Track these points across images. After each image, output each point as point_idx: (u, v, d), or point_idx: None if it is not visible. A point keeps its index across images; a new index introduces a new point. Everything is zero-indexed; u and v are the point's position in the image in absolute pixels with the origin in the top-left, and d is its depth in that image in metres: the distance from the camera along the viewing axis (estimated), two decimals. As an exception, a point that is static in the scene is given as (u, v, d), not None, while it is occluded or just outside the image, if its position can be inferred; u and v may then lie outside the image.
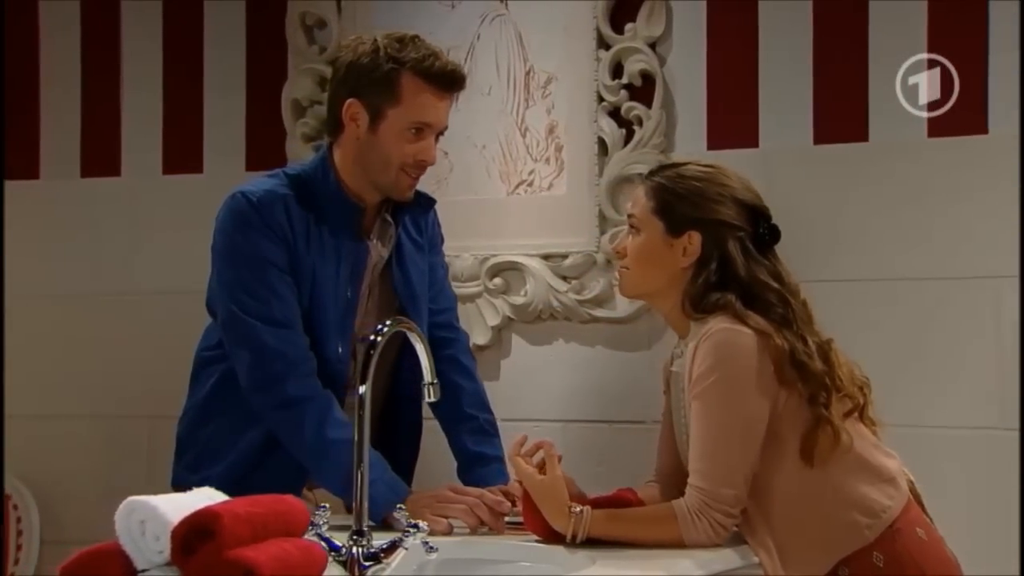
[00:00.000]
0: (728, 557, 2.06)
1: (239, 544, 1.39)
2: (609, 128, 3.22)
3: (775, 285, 2.18)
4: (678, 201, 2.24)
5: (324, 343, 2.40)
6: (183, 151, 3.62)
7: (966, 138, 3.03)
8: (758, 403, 2.09)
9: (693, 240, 2.22)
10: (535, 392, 3.25)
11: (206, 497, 1.48)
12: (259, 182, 2.50)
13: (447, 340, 2.62)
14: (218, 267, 2.46)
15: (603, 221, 3.23)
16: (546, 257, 3.26)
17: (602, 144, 3.23)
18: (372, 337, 1.82)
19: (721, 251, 2.20)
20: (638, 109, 3.20)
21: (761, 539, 2.09)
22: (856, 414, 2.16)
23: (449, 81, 2.41)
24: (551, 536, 2.14)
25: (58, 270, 3.69)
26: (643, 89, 3.22)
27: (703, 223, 2.23)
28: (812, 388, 2.10)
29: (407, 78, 2.39)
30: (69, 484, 3.62)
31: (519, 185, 3.29)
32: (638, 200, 2.30)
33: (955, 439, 2.97)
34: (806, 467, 2.10)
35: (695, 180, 2.25)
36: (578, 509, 2.11)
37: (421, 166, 2.44)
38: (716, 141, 3.20)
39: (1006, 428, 3.00)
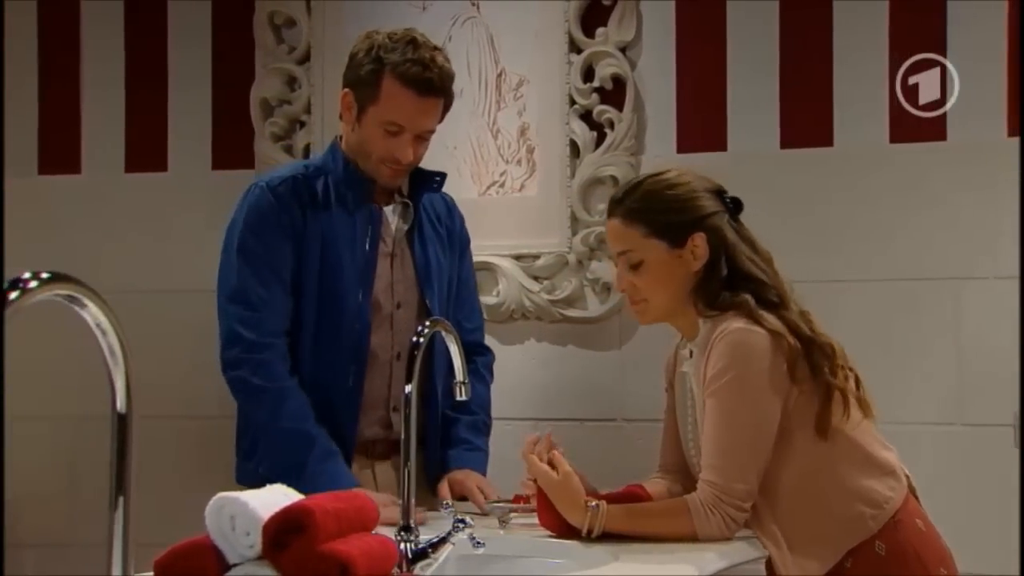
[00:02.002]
0: (743, 550, 2.12)
1: (328, 539, 1.42)
2: (581, 131, 3.28)
3: (761, 263, 2.25)
4: (668, 214, 2.27)
5: (344, 294, 2.50)
6: (147, 149, 3.58)
7: (926, 144, 3.16)
8: (771, 401, 2.15)
9: (698, 242, 2.26)
10: (507, 391, 3.28)
11: (282, 494, 1.50)
12: (273, 171, 2.69)
13: (470, 357, 2.68)
14: (223, 254, 2.58)
15: (575, 222, 3.29)
16: (518, 257, 3.30)
17: (574, 146, 3.29)
18: (414, 339, 1.86)
19: (723, 240, 2.26)
20: (610, 112, 3.27)
21: (770, 532, 2.16)
22: (853, 398, 2.21)
23: (425, 87, 2.48)
24: (566, 532, 2.18)
25: (15, 269, 3.61)
26: (614, 92, 3.29)
27: (699, 223, 2.27)
28: (816, 359, 2.16)
29: (387, 79, 2.48)
30: (30, 486, 3.56)
31: (491, 186, 3.33)
32: (622, 234, 2.29)
33: (915, 435, 3.08)
34: (813, 461, 2.17)
35: (667, 190, 2.29)
36: (594, 504, 2.15)
37: (397, 163, 2.51)
38: (685, 144, 3.29)
39: (964, 424, 3.13)
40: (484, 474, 2.58)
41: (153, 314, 3.53)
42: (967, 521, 2.95)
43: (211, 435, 3.43)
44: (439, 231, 2.64)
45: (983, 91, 3.11)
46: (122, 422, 1.11)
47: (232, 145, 3.53)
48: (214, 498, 1.43)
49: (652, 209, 2.27)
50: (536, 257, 3.30)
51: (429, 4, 3.39)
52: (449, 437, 2.61)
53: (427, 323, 1.90)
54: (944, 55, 3.15)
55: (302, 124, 3.47)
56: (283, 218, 2.48)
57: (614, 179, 3.26)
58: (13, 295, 0.99)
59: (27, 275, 1.02)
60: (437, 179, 2.64)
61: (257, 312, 2.46)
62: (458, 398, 2.02)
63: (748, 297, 2.20)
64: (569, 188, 3.29)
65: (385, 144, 2.48)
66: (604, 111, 3.27)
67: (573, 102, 3.29)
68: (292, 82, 3.48)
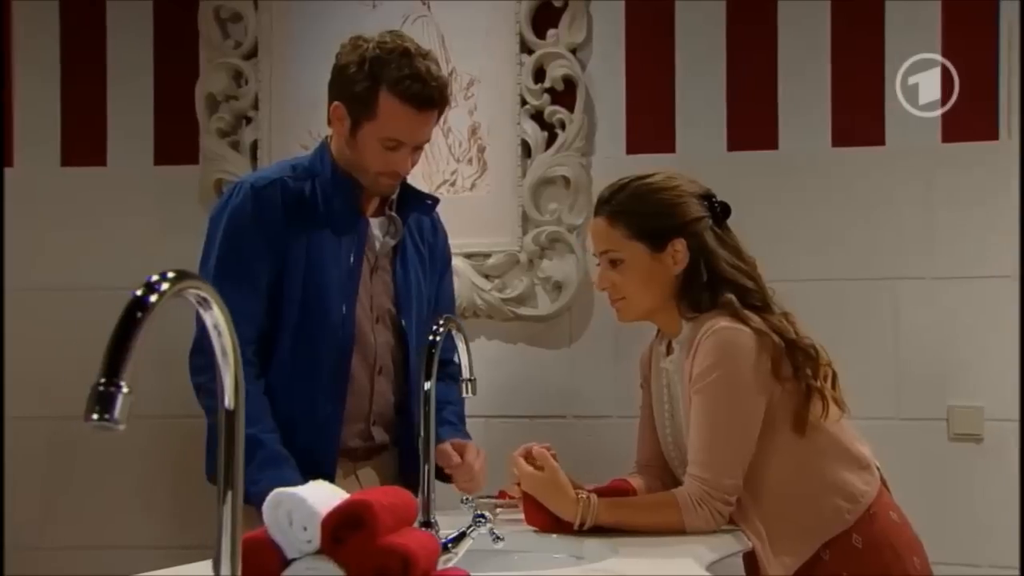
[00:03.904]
0: (729, 542, 2.18)
1: (386, 533, 1.43)
2: (532, 131, 3.32)
3: (745, 267, 2.31)
4: (651, 218, 2.30)
5: (328, 304, 2.46)
6: (84, 141, 3.49)
7: (866, 148, 3.27)
8: (756, 398, 2.21)
9: (679, 247, 2.30)
10: (458, 388, 3.31)
11: (329, 490, 1.50)
12: (260, 171, 2.64)
13: (446, 367, 2.68)
14: (203, 252, 2.51)
15: (526, 222, 3.33)
16: (469, 256, 3.32)
17: (525, 146, 3.33)
18: (431, 338, 1.88)
19: (703, 248, 2.30)
20: (561, 113, 3.31)
21: (753, 525, 2.21)
22: (831, 398, 2.28)
23: (425, 103, 2.45)
24: (553, 529, 2.21)
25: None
26: (565, 93, 3.34)
27: (680, 228, 2.31)
28: (798, 360, 2.23)
29: (384, 96, 2.42)
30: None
31: (441, 185, 3.34)
32: (605, 234, 2.33)
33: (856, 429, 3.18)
34: (794, 456, 2.23)
35: (653, 193, 2.33)
36: (585, 495, 2.19)
37: (395, 176, 2.50)
38: (635, 146, 3.35)
39: (902, 419, 3.24)
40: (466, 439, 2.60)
41: (90, 313, 3.46)
42: (913, 512, 3.06)
43: (157, 433, 3.39)
44: (421, 251, 2.62)
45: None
46: (230, 418, 1.12)
47: (175, 140, 3.47)
48: (271, 494, 1.43)
49: (636, 212, 2.31)
50: (487, 256, 3.33)
51: (379, 2, 3.39)
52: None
53: (441, 321, 1.91)
54: (883, 62, 3.26)
55: (248, 120, 3.44)
56: (266, 223, 2.42)
57: (565, 179, 3.32)
58: (152, 298, 0.99)
59: (155, 277, 1.01)
60: (429, 202, 2.63)
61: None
62: (463, 395, 2.04)
63: (732, 297, 2.25)
64: (520, 188, 3.32)
65: (384, 159, 2.45)
66: (555, 112, 3.32)
67: (524, 102, 3.32)
68: (239, 77, 3.44)
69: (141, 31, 3.50)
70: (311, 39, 3.40)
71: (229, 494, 1.12)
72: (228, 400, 1.12)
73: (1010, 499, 3.18)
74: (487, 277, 3.34)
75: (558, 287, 3.32)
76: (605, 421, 3.33)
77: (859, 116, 3.27)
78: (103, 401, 0.93)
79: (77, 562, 3.33)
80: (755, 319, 2.23)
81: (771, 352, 2.22)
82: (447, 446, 2.48)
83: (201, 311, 1.07)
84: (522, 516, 2.27)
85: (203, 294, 1.06)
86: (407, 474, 2.57)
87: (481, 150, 3.35)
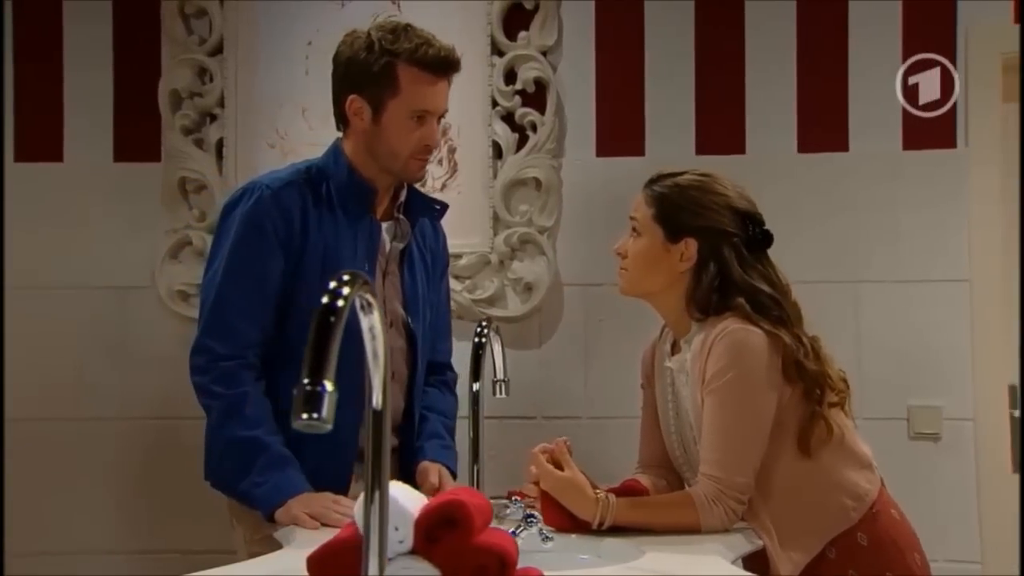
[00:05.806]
0: (742, 541, 2.21)
1: (477, 532, 1.42)
2: (503, 132, 3.33)
3: (767, 289, 2.33)
4: (677, 210, 2.35)
5: None
6: (39, 137, 3.40)
7: (830, 154, 3.35)
8: (768, 399, 2.24)
9: (689, 247, 2.33)
10: (428, 389, 3.29)
11: (405, 489, 1.49)
12: (274, 172, 2.53)
13: (442, 373, 2.70)
14: (211, 253, 2.47)
15: (497, 223, 3.34)
16: (440, 257, 3.31)
17: (496, 148, 3.33)
18: (476, 339, 1.88)
19: (716, 256, 2.33)
20: (532, 115, 3.32)
21: (763, 523, 2.24)
22: (839, 406, 2.34)
23: (443, 66, 2.47)
24: (570, 528, 2.21)
25: None
26: (535, 95, 3.35)
27: (699, 230, 2.34)
28: (809, 385, 2.27)
29: (403, 69, 2.43)
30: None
31: (411, 185, 3.32)
32: (639, 205, 2.40)
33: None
34: (803, 456, 2.28)
35: (692, 190, 2.37)
36: (603, 495, 2.20)
37: (427, 151, 2.49)
38: (604, 149, 3.38)
39: (864, 418, 3.30)
40: (455, 469, 2.58)
41: (46, 314, 3.38)
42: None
43: (123, 436, 3.32)
44: (425, 255, 2.60)
45: (882, 105, 3.32)
46: (377, 418, 1.11)
47: (136, 136, 3.40)
48: (362, 495, 1.41)
49: (670, 200, 2.35)
50: (458, 257, 3.32)
51: (347, 1, 3.36)
52: (424, 430, 2.59)
53: (483, 322, 1.91)
54: (847, 71, 3.35)
55: (214, 117, 3.38)
56: (281, 226, 2.38)
57: (536, 181, 3.33)
58: (339, 303, 0.99)
59: (333, 284, 1.01)
60: (438, 207, 2.62)
61: (231, 326, 2.37)
62: (496, 395, 2.03)
63: (743, 301, 2.28)
64: (491, 189, 3.33)
65: (414, 136, 2.44)
66: (526, 114, 3.33)
67: (495, 104, 3.33)
68: (203, 73, 3.39)
69: (100, 23, 3.41)
70: (278, 37, 3.36)
71: (376, 494, 1.10)
72: (376, 400, 1.11)
73: (966, 495, 3.29)
74: (458, 278, 3.33)
75: (528, 288, 3.34)
76: (575, 422, 3.35)
77: (824, 123, 3.35)
78: (311, 401, 0.93)
79: (45, 568, 3.25)
80: (765, 322, 2.27)
81: (782, 352, 2.25)
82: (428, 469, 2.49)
83: (361, 315, 1.06)
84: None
85: (368, 298, 1.05)
86: (403, 479, 2.55)
87: (452, 151, 3.34)
